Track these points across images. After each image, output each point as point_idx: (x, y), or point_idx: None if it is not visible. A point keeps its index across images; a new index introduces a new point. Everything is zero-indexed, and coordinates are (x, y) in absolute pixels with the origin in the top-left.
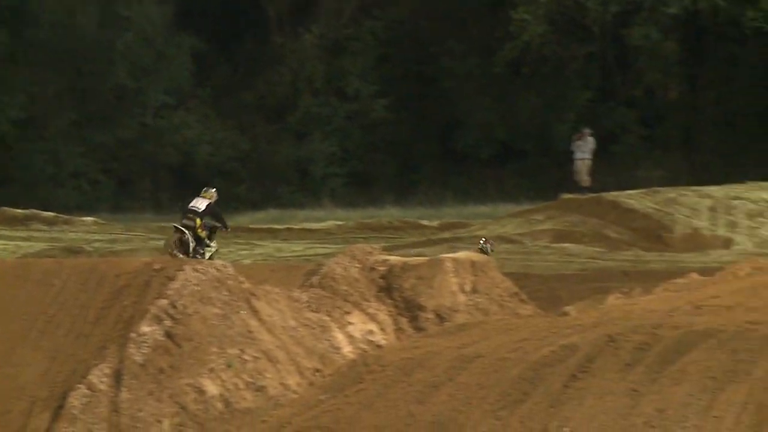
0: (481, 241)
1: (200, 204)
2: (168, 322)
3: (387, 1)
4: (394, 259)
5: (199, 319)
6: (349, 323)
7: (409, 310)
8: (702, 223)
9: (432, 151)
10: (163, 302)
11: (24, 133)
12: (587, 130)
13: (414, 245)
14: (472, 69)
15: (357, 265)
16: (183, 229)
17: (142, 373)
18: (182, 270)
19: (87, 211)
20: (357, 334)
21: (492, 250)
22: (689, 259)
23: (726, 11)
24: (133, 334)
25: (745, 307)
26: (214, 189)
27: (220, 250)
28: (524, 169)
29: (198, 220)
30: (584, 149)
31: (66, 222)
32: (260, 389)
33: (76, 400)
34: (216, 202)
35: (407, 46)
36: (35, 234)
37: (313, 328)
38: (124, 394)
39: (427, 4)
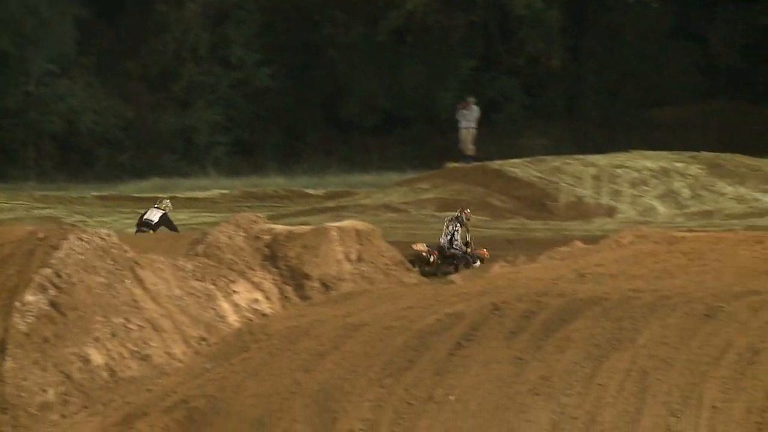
0: (458, 212)
1: (154, 216)
2: (52, 292)
3: None
4: (279, 227)
5: (83, 289)
6: (235, 292)
7: (294, 278)
8: (586, 191)
9: (316, 119)
10: (48, 271)
11: None
12: (471, 99)
13: (299, 214)
14: (357, 38)
15: (242, 234)
16: None
17: (26, 343)
18: (66, 239)
19: None
20: (242, 303)
21: (467, 219)
22: (573, 227)
23: None
24: (17, 304)
25: (629, 275)
26: (168, 200)
27: (106, 219)
28: (409, 137)
29: (151, 233)
30: (469, 118)
31: None
32: (145, 358)
33: None
34: (169, 210)
35: (291, 15)
36: None
37: (199, 297)
38: (9, 364)
39: None
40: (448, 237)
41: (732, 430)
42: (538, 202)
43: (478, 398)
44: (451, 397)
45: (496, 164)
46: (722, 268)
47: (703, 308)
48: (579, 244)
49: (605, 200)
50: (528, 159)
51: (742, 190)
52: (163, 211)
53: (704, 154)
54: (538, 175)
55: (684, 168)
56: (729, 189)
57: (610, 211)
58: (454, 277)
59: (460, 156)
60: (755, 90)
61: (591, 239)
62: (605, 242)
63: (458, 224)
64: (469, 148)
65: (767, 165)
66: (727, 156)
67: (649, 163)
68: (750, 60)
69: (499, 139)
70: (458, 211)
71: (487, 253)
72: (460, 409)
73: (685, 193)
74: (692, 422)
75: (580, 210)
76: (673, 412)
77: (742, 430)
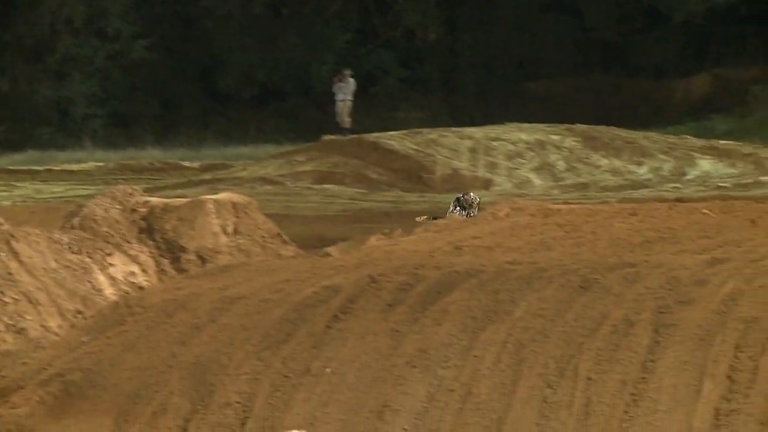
0: (461, 196)
1: None
2: None
3: None
4: (155, 200)
5: None
6: (111, 265)
7: (170, 251)
8: (462, 164)
9: (193, 92)
10: None
11: None
12: (348, 72)
13: (175, 186)
14: (233, 10)
15: (118, 207)
16: None
17: None
18: None
19: None
20: (119, 276)
21: (468, 204)
22: (450, 199)
23: None
24: None
25: (505, 248)
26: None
27: None
28: (285, 110)
29: None
30: (345, 91)
31: None
32: (20, 331)
33: None
34: None
35: None
36: None
37: (75, 270)
38: None
39: None
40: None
41: (607, 402)
42: (414, 174)
43: (355, 371)
44: (328, 370)
45: (373, 137)
46: (597, 240)
47: (578, 280)
48: (456, 216)
49: (481, 172)
50: (404, 132)
51: (617, 163)
52: None
53: (579, 126)
54: (415, 147)
55: (559, 140)
56: (604, 161)
57: (486, 184)
58: (330, 249)
59: (337, 129)
60: (630, 63)
61: None
62: (481, 215)
63: (457, 206)
64: (346, 120)
65: (642, 137)
66: (602, 128)
67: (524, 136)
68: (624, 33)
69: (375, 111)
70: (461, 195)
71: None
72: (337, 381)
73: (561, 165)
74: (568, 393)
75: (456, 182)
76: (549, 383)
77: (617, 401)
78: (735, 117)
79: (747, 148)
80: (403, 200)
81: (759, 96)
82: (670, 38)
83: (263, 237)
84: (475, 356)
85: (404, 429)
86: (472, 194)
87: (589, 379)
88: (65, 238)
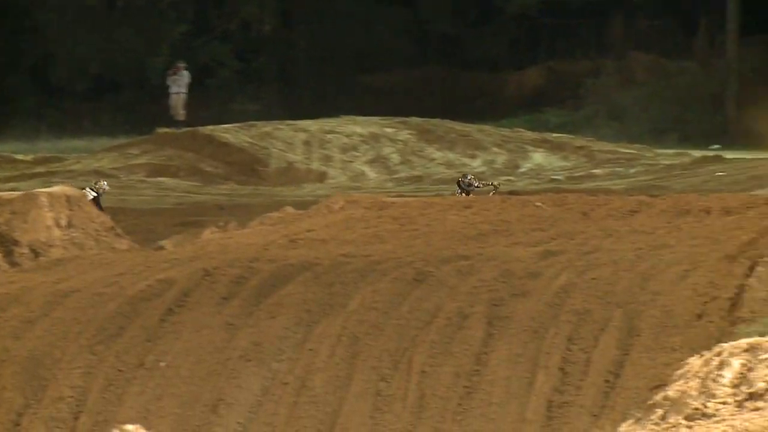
0: (459, 179)
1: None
2: None
3: None
4: None
5: None
6: None
7: (3, 245)
8: (297, 157)
9: (26, 84)
10: None
11: None
12: (182, 64)
13: (8, 180)
14: (67, 1)
15: None
16: None
17: None
18: None
19: None
20: None
21: (468, 186)
22: (284, 192)
23: None
24: None
25: (339, 240)
26: (105, 182)
27: None
28: (120, 103)
29: None
30: (179, 83)
31: None
32: None
33: None
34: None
35: None
36: None
37: None
38: None
39: None
40: None
41: (441, 395)
42: (249, 167)
43: (189, 364)
44: (162, 364)
45: (207, 129)
46: (432, 233)
47: (413, 273)
48: (290, 209)
49: (316, 166)
50: (239, 124)
51: (451, 156)
52: (96, 194)
53: (414, 119)
54: (249, 140)
55: (394, 134)
56: (438, 154)
57: (321, 177)
58: (164, 242)
59: (171, 121)
60: (465, 55)
61: (302, 205)
62: (316, 208)
63: (457, 189)
64: (180, 113)
65: (476, 130)
66: (437, 121)
67: (359, 129)
68: (459, 25)
69: (211, 104)
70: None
71: None
72: (171, 375)
73: (395, 158)
74: (402, 387)
75: (290, 175)
76: (383, 376)
77: (451, 393)
78: (568, 110)
79: (579, 141)
80: (237, 193)
81: (591, 89)
82: (504, 31)
83: (97, 230)
84: (310, 349)
85: (238, 423)
86: (469, 176)
87: (423, 372)
88: None
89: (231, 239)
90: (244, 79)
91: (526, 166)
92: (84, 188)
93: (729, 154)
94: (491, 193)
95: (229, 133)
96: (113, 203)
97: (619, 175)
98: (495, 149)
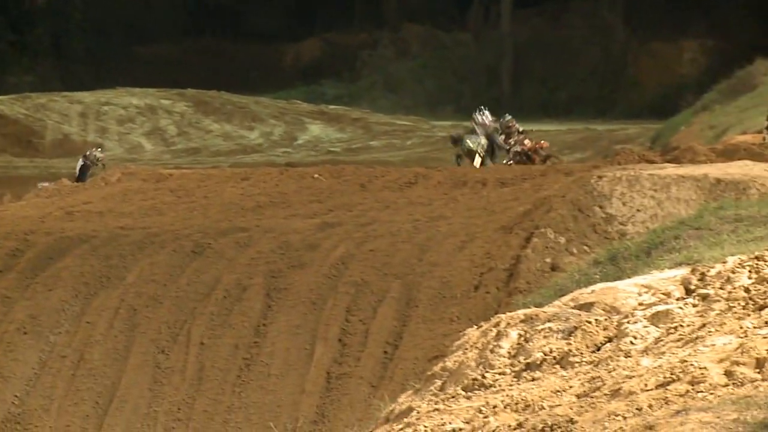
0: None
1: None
2: None
3: None
4: None
5: None
6: None
7: None
8: (73, 128)
9: None
10: None
11: None
12: None
13: None
14: None
15: None
16: None
17: None
18: None
19: None
20: None
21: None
22: (60, 165)
23: None
24: None
25: (117, 213)
26: (97, 150)
27: None
28: None
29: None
30: None
31: None
32: None
33: None
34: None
35: None
36: None
37: None
38: None
39: None
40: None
41: (220, 366)
42: (24, 139)
43: None
44: None
45: None
46: (209, 205)
47: (190, 245)
48: (66, 181)
49: (92, 137)
50: (14, 96)
51: (228, 128)
52: (86, 163)
53: (190, 91)
54: (25, 112)
55: (170, 105)
56: (215, 126)
57: (98, 148)
58: None
59: None
60: (241, 27)
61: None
62: (92, 180)
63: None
64: None
65: (253, 102)
66: (214, 93)
67: (135, 101)
68: None
69: None
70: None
71: None
72: None
73: (172, 130)
74: (181, 359)
75: (66, 147)
76: (162, 348)
77: (230, 365)
78: (344, 82)
79: (356, 113)
80: (12, 165)
81: (367, 62)
82: (280, 3)
83: None
84: (88, 322)
85: (15, 396)
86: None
87: (203, 343)
88: None
89: (6, 211)
90: (18, 51)
91: (303, 138)
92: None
93: None
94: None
95: (3, 104)
96: None
97: (395, 147)
98: (272, 121)
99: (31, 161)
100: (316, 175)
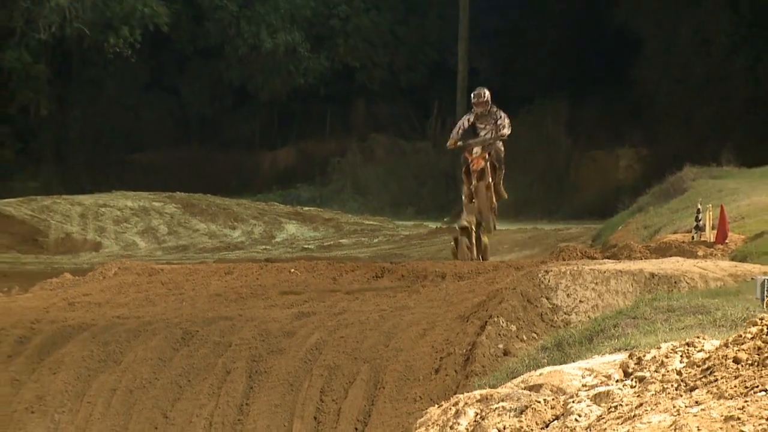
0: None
1: None
2: None
3: None
4: None
5: None
6: None
7: None
8: (74, 228)
9: None
10: None
11: None
12: None
13: None
14: None
15: None
16: None
17: None
18: None
19: None
20: None
21: None
22: (63, 261)
23: (90, 38)
24: None
25: (114, 304)
26: None
27: None
28: None
29: None
30: None
31: None
32: None
33: None
34: None
35: None
36: None
37: None
38: None
39: None
40: None
41: None
42: (30, 238)
43: None
44: None
45: None
46: (197, 296)
47: (180, 332)
48: (68, 275)
49: (91, 236)
50: (21, 199)
51: (213, 227)
52: None
53: (179, 194)
54: (31, 213)
55: (161, 207)
56: (202, 226)
57: (96, 246)
58: None
59: None
60: (223, 136)
61: (79, 271)
62: (92, 274)
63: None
64: None
65: (235, 204)
66: (200, 196)
67: (130, 203)
68: (217, 109)
69: None
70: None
71: None
72: None
73: (163, 229)
74: None
75: (68, 245)
76: (156, 425)
77: None
78: (317, 186)
79: (328, 214)
80: (20, 261)
81: (337, 167)
82: (258, 115)
83: None
84: (88, 402)
85: None
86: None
87: (191, 422)
88: None
89: (14, 303)
90: (23, 159)
91: (281, 236)
92: None
93: None
94: None
95: (11, 206)
96: None
97: (364, 244)
98: (253, 221)
99: (36, 257)
100: (292, 270)
